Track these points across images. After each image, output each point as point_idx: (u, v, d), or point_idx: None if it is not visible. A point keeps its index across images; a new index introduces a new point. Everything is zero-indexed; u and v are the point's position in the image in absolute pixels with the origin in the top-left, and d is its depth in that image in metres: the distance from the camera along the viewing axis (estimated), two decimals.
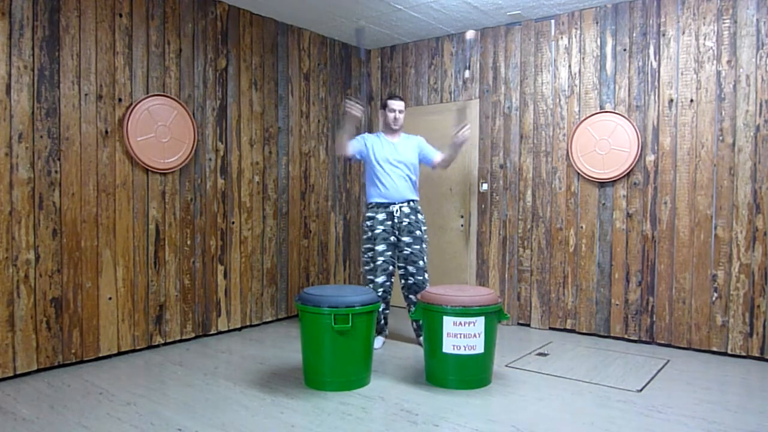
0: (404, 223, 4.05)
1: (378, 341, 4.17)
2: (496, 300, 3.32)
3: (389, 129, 4.16)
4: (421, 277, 4.06)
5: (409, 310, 4.19)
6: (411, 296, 4.10)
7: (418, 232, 4.07)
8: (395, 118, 4.10)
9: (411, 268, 4.07)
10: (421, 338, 4.17)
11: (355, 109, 3.86)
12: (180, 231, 4.19)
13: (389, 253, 4.05)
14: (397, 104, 4.11)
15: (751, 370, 3.68)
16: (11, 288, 3.33)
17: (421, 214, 4.16)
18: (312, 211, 5.25)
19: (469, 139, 4.17)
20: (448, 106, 5.26)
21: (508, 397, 3.15)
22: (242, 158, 4.61)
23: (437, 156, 4.21)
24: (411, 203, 4.10)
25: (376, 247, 4.05)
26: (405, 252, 4.06)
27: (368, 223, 4.10)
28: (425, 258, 4.11)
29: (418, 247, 4.06)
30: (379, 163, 4.07)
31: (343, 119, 4.27)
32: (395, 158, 4.07)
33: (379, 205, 4.09)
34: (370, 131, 5.79)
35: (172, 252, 4.14)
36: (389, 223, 4.06)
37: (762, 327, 3.83)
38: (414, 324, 4.27)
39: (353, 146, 4.14)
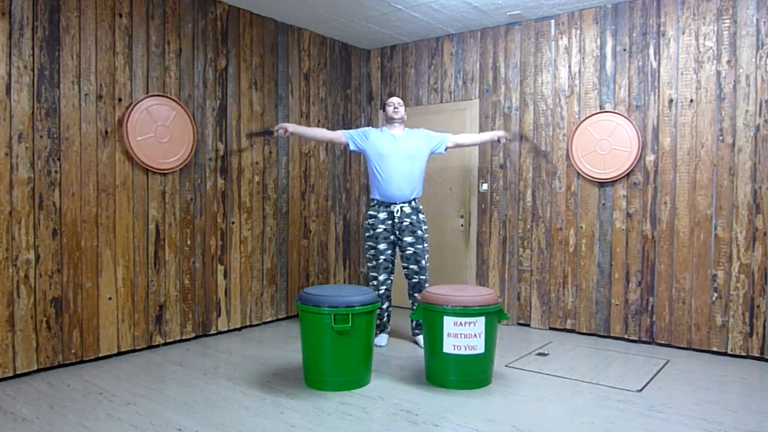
0: (405, 223, 4.07)
1: (382, 339, 4.21)
2: (497, 300, 3.32)
3: (391, 120, 4.18)
4: (424, 276, 4.12)
5: (412, 307, 4.22)
6: (416, 294, 4.12)
7: (419, 232, 4.09)
8: (395, 109, 4.14)
9: (414, 267, 4.09)
10: (418, 337, 4.20)
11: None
12: (180, 231, 4.18)
13: (389, 251, 4.11)
14: (394, 99, 4.18)
15: (751, 370, 3.68)
16: (11, 288, 3.33)
17: (423, 214, 4.17)
18: (312, 211, 5.25)
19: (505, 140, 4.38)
20: (448, 106, 5.27)
21: (508, 397, 3.15)
22: (242, 158, 4.61)
23: (450, 138, 4.24)
24: (412, 203, 4.11)
25: (378, 246, 4.09)
26: (408, 252, 4.09)
27: (370, 221, 4.15)
28: (427, 257, 4.16)
29: (420, 246, 4.09)
30: (381, 157, 4.07)
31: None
32: (397, 151, 4.06)
33: (380, 203, 4.12)
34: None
35: (172, 252, 4.14)
36: (390, 222, 4.09)
37: (762, 327, 3.83)
38: (413, 323, 4.28)
39: (349, 134, 4.19)
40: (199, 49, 4.27)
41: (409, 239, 4.07)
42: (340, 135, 4.20)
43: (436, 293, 3.34)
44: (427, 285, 4.12)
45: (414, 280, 4.12)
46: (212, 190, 4.39)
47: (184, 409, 2.93)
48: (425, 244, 4.13)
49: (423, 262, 4.10)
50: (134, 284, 3.92)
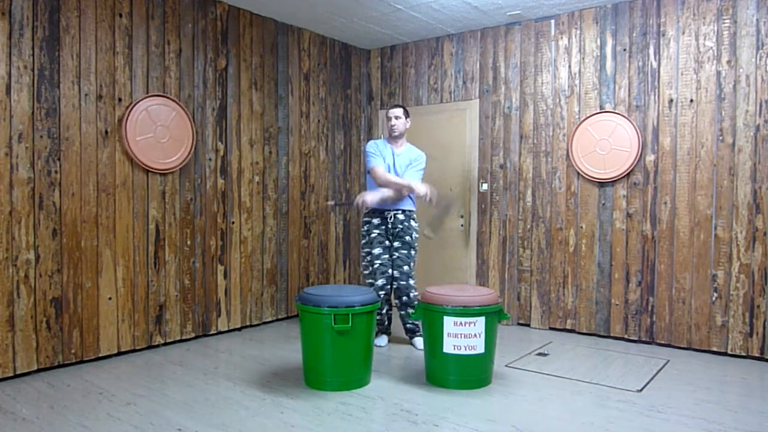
0: (398, 228, 4.13)
1: (383, 339, 4.22)
2: (497, 300, 3.32)
3: (390, 137, 4.22)
4: (405, 282, 4.10)
5: (398, 311, 4.22)
6: (396, 300, 4.16)
7: (408, 238, 4.12)
8: (393, 126, 4.16)
9: (395, 272, 4.12)
10: (414, 339, 4.19)
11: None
12: (180, 231, 4.18)
13: (386, 256, 4.13)
14: (393, 111, 4.17)
15: (751, 370, 3.68)
16: (11, 288, 3.33)
17: (416, 222, 4.22)
18: (312, 211, 5.25)
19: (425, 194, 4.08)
20: (448, 106, 5.26)
21: (508, 397, 3.15)
22: (242, 158, 4.61)
23: (408, 177, 4.10)
24: (406, 211, 4.15)
25: (373, 251, 4.13)
26: (393, 256, 4.14)
27: (365, 227, 4.20)
28: (411, 264, 4.14)
29: (405, 252, 4.12)
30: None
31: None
32: (394, 166, 4.13)
33: (374, 210, 4.17)
34: (369, 131, 5.80)
35: (172, 252, 4.14)
36: (383, 227, 4.14)
37: (762, 327, 3.83)
38: (405, 325, 4.26)
39: (381, 164, 4.09)
40: (199, 49, 4.27)
41: (396, 244, 4.13)
42: (379, 164, 4.10)
43: (436, 293, 3.34)
44: (410, 291, 4.09)
45: (394, 285, 4.13)
46: (212, 190, 4.39)
47: (184, 409, 2.93)
48: (411, 251, 4.14)
49: (406, 267, 4.10)
50: (134, 284, 3.92)
